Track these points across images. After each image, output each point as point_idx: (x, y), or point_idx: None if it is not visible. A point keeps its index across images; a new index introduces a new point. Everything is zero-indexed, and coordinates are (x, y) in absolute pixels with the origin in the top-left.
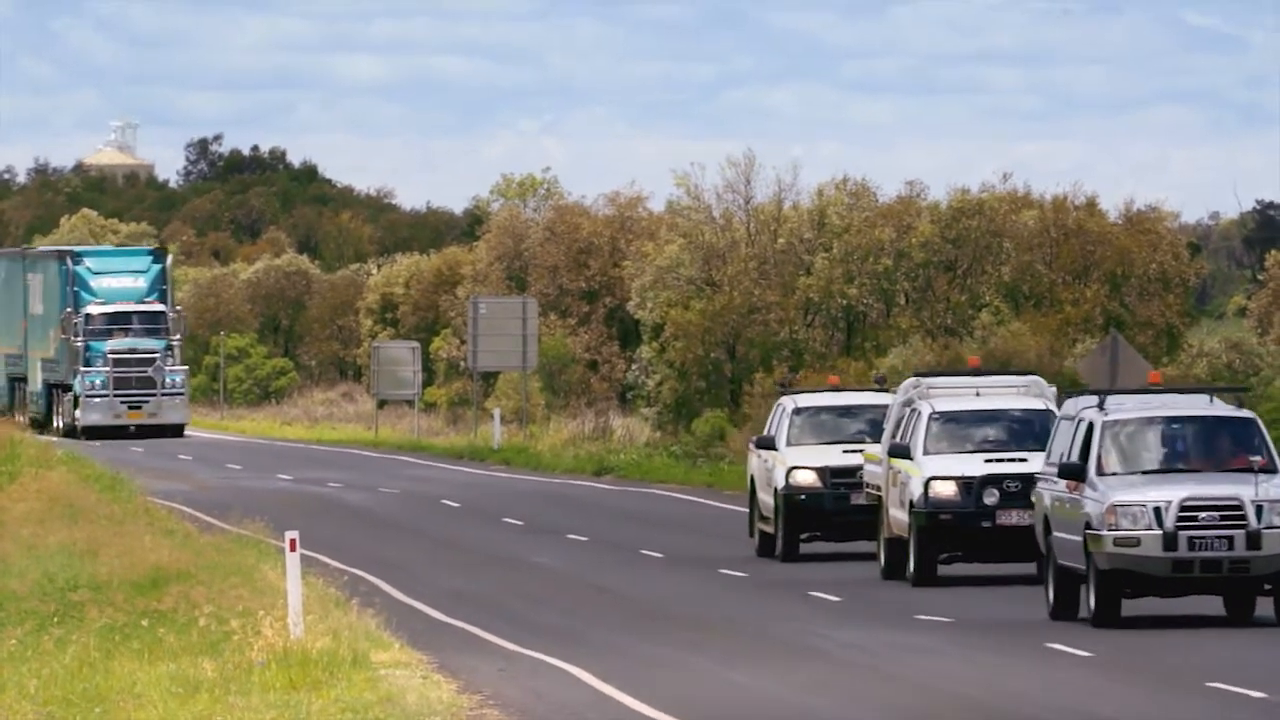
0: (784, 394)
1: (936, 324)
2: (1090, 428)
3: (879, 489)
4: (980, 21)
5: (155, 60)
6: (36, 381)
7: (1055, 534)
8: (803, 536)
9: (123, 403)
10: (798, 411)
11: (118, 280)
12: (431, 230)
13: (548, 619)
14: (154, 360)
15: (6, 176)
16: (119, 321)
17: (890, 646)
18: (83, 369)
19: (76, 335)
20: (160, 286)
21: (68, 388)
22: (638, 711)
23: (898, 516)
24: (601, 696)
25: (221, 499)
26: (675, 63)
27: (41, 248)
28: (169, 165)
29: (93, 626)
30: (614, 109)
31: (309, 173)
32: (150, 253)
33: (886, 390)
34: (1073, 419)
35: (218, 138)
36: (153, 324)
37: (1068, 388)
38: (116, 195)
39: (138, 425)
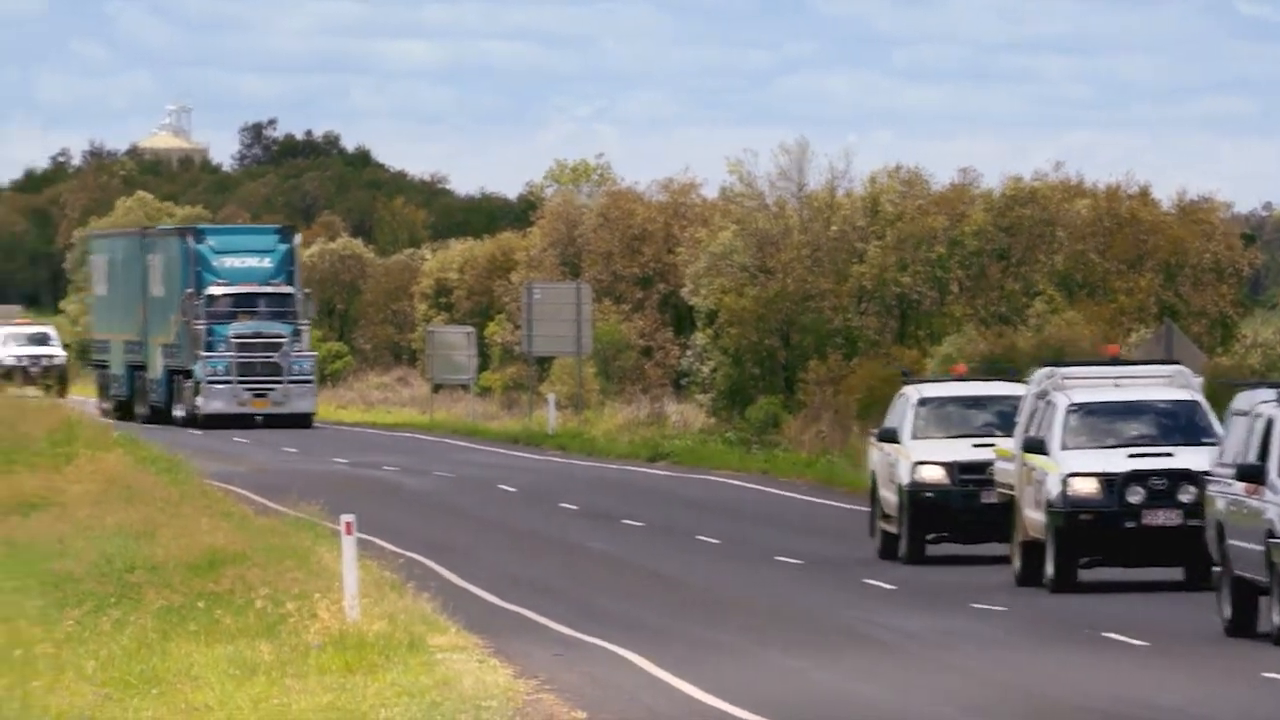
0: (907, 383)
1: (990, 312)
2: (1270, 424)
3: (1012, 487)
4: (1033, 10)
5: (210, 44)
6: (156, 368)
7: (1231, 542)
8: (929, 537)
9: (247, 390)
10: (923, 402)
11: (242, 260)
12: (485, 215)
13: (604, 604)
14: (280, 345)
15: (62, 160)
16: (244, 304)
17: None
18: (204, 354)
19: (198, 318)
20: (287, 267)
21: (188, 374)
22: (693, 697)
23: (1033, 517)
24: (657, 681)
25: (278, 482)
26: (729, 49)
27: (161, 226)
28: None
29: (150, 608)
30: (667, 95)
31: (363, 157)
32: (277, 231)
33: (1017, 380)
34: (1248, 414)
35: (272, 122)
36: (279, 307)
37: (1236, 380)
38: (171, 179)
39: (264, 415)
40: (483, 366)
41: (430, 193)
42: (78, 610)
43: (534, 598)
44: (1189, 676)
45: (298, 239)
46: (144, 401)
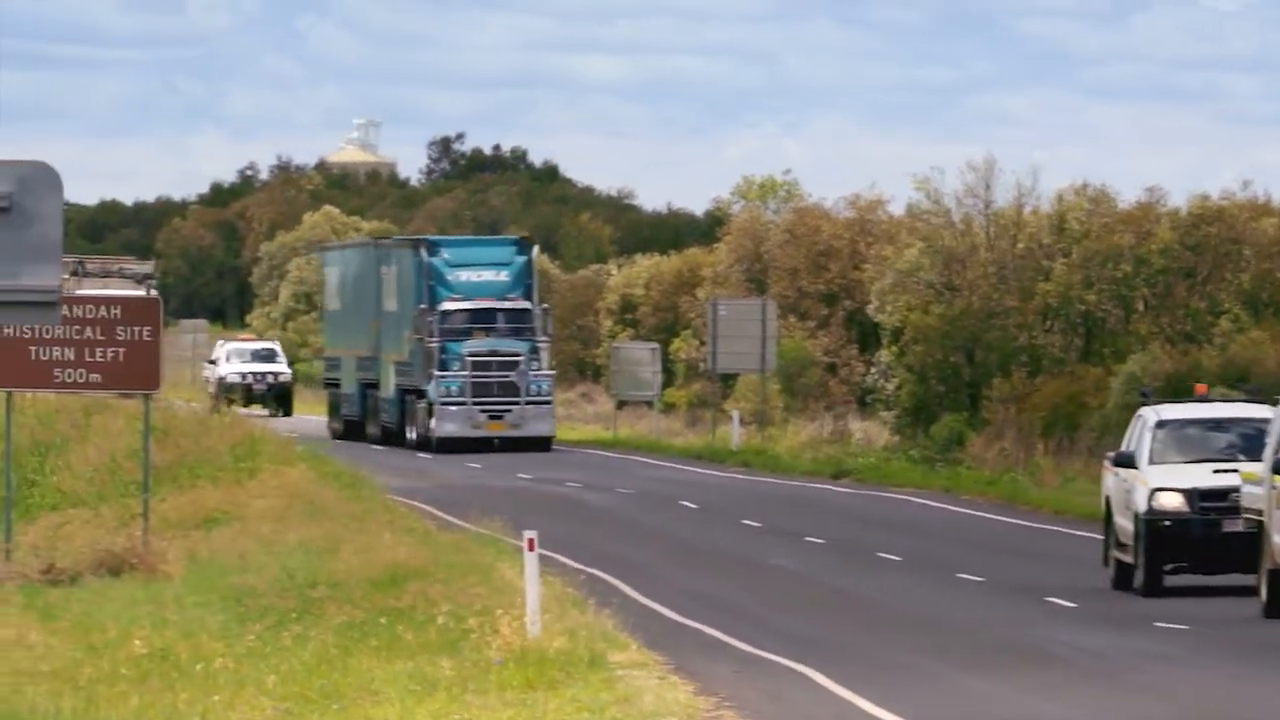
0: (1145, 404)
1: (1175, 330)
2: None
3: (1260, 512)
4: (1220, 27)
5: (398, 59)
6: (389, 388)
7: None
8: (1167, 568)
9: (482, 412)
10: (1161, 424)
11: (478, 274)
12: (671, 231)
13: (785, 622)
14: (517, 364)
15: (250, 173)
16: (479, 320)
17: None
18: (438, 373)
19: (431, 335)
20: (525, 281)
21: (421, 394)
22: (875, 715)
23: None
24: (839, 700)
25: (461, 497)
26: (915, 66)
27: (395, 237)
28: (411, 163)
29: (331, 623)
30: (853, 112)
31: (550, 172)
32: (514, 243)
33: (1263, 401)
34: None
35: (459, 136)
36: (517, 323)
37: None
38: (359, 193)
39: (500, 438)
40: (667, 383)
41: (617, 208)
42: (259, 625)
43: (715, 614)
44: None
45: (536, 251)
46: (375, 422)
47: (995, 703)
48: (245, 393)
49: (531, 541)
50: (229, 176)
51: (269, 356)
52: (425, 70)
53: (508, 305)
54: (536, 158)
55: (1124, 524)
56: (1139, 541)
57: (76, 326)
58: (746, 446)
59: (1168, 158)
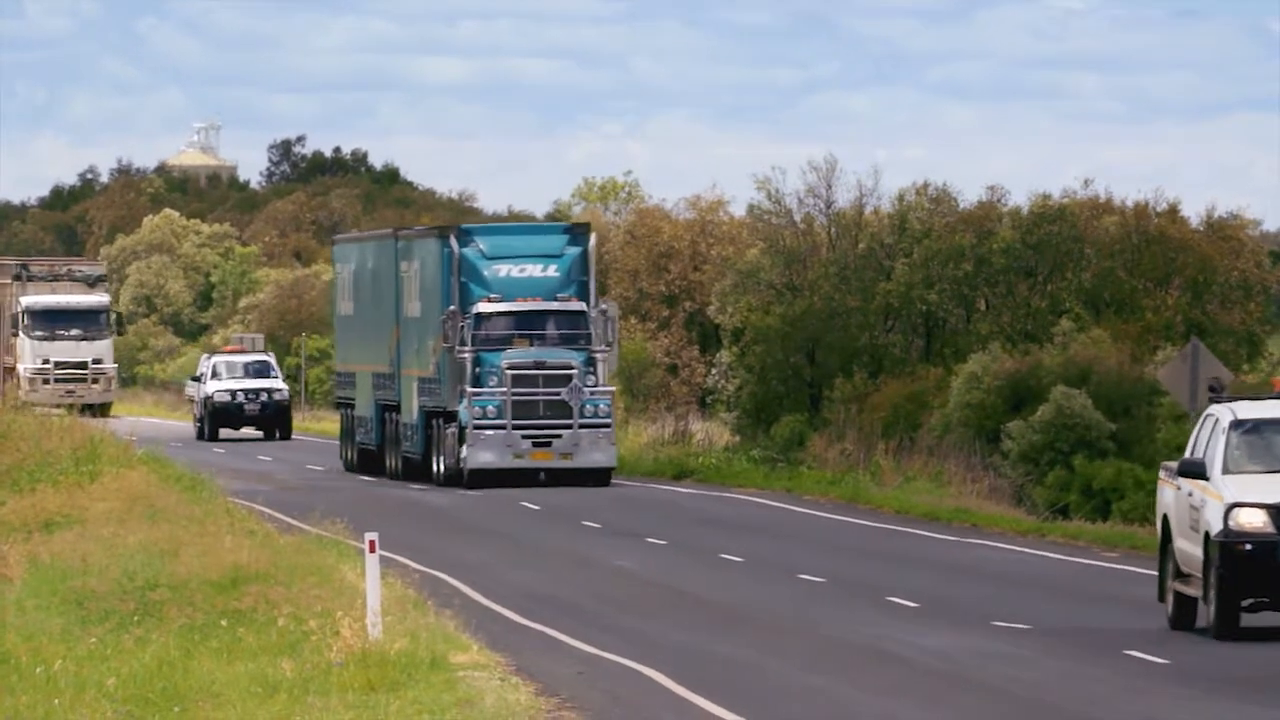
0: (1216, 401)
1: (1017, 330)
2: None
3: None
4: (1062, 26)
5: (239, 61)
6: (411, 409)
7: None
8: (1245, 603)
9: (525, 438)
10: (1238, 425)
11: (521, 268)
12: None
13: (627, 623)
14: (569, 378)
15: (90, 177)
16: (522, 325)
17: None
18: (471, 391)
19: (463, 344)
20: (579, 277)
21: (451, 417)
22: (716, 715)
23: None
24: (681, 700)
25: (302, 500)
26: (758, 67)
27: (419, 226)
28: (251, 166)
29: (172, 626)
30: (696, 113)
31: (391, 175)
32: (566, 230)
33: None
34: None
35: (300, 139)
36: (569, 328)
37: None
38: (199, 196)
39: (547, 469)
40: None
41: (458, 210)
42: (100, 628)
43: (556, 615)
44: None
45: (593, 240)
46: (395, 451)
47: (835, 701)
48: (238, 413)
49: (372, 543)
50: (69, 179)
51: (263, 371)
52: (266, 73)
53: (558, 307)
54: (377, 160)
55: (1188, 549)
56: (1210, 570)
57: None
58: None
59: (1010, 156)
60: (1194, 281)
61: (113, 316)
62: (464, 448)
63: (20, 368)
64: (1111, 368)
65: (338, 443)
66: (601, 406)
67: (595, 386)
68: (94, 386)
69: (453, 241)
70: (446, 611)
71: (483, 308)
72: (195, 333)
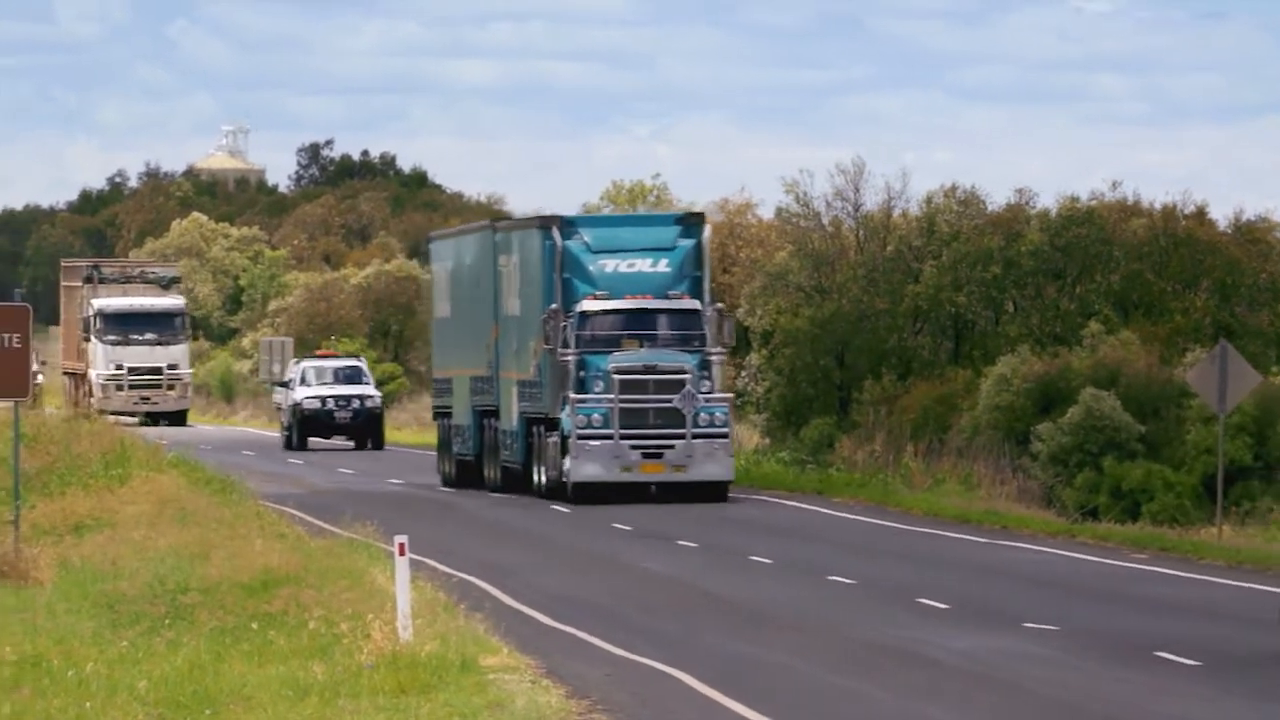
0: None
1: (1045, 332)
2: None
3: None
4: (1091, 28)
5: (268, 65)
6: (511, 415)
7: None
8: None
9: (634, 448)
10: None
11: (629, 263)
12: None
13: (657, 625)
14: (682, 383)
15: (118, 180)
16: (631, 325)
17: None
18: (575, 397)
19: (566, 346)
20: (692, 272)
21: (553, 425)
22: (745, 717)
23: None
24: (710, 702)
25: (333, 503)
26: (787, 69)
27: (518, 216)
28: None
29: (203, 629)
30: (725, 115)
31: (419, 178)
32: (678, 220)
33: None
34: None
35: (329, 142)
36: (682, 329)
37: None
38: (227, 199)
39: (658, 482)
40: None
41: (487, 213)
42: (131, 631)
43: (586, 618)
44: None
45: (707, 232)
46: (494, 461)
47: (864, 703)
48: (327, 421)
49: (402, 546)
50: (98, 184)
51: (354, 377)
52: (294, 76)
53: (670, 305)
54: (405, 163)
55: None
56: None
57: None
58: None
59: (1038, 159)
60: (1222, 284)
61: (188, 320)
62: (567, 459)
63: (92, 374)
64: (1140, 370)
65: (434, 454)
66: (717, 415)
67: (710, 392)
68: (169, 393)
69: (555, 233)
70: (476, 614)
71: (587, 306)
72: (224, 336)
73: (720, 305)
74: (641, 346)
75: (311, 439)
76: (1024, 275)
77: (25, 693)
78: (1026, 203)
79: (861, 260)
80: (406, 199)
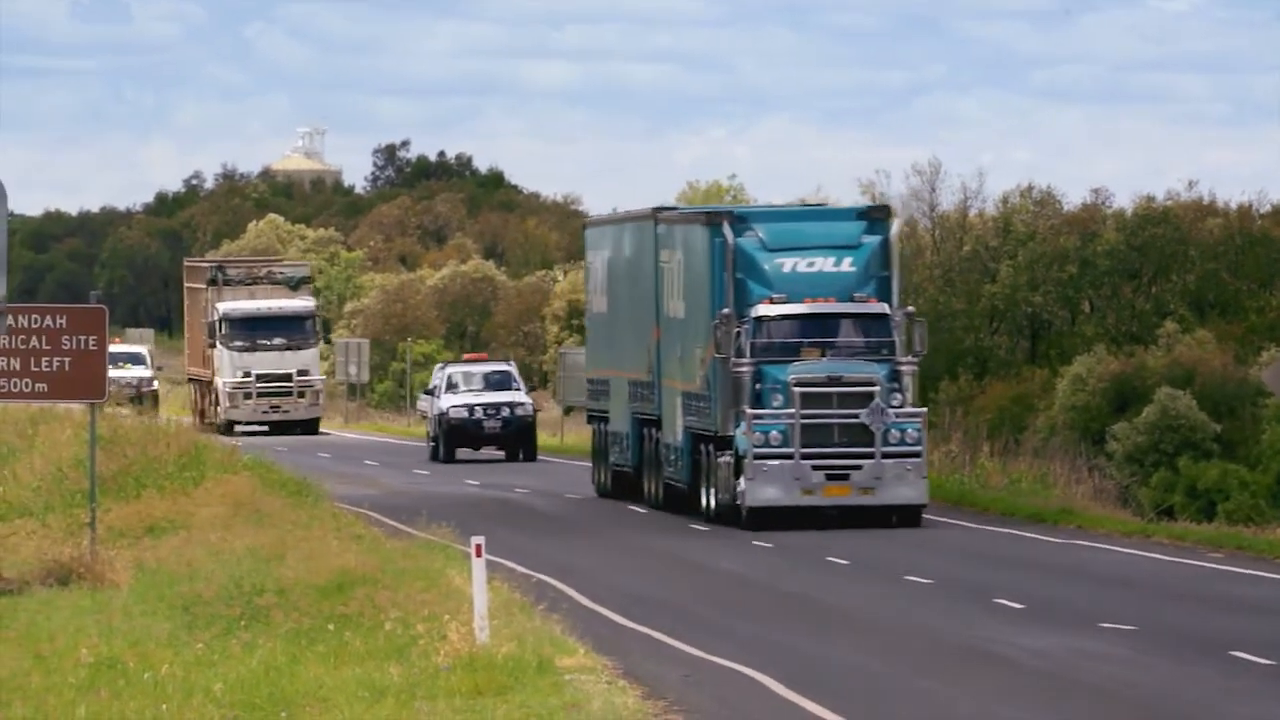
0: None
1: (1121, 331)
2: None
3: None
4: (1168, 29)
5: (345, 66)
6: (675, 429)
7: None
8: None
9: (816, 469)
10: None
11: (809, 261)
12: None
13: (734, 625)
14: (871, 396)
15: (195, 183)
16: (812, 331)
17: None
18: (751, 412)
19: (739, 355)
20: (879, 272)
21: (724, 442)
22: (822, 718)
23: None
24: (787, 704)
25: (409, 504)
26: (864, 70)
27: (683, 208)
28: (356, 171)
29: (279, 631)
30: (802, 116)
31: (496, 179)
32: (862, 213)
33: None
34: None
35: (405, 143)
36: (869, 335)
37: None
38: (303, 201)
39: (841, 506)
40: None
41: (563, 214)
42: (206, 633)
43: (663, 618)
44: None
45: (895, 227)
46: (655, 475)
47: (941, 704)
48: (475, 431)
49: (479, 547)
50: (174, 186)
51: (504, 383)
52: (371, 77)
53: (855, 309)
54: (482, 164)
55: None
56: None
57: (22, 336)
58: None
59: (1115, 159)
60: None
61: (319, 322)
62: (742, 480)
63: (218, 382)
64: (1216, 369)
65: (589, 464)
66: (910, 431)
67: (901, 406)
68: (300, 401)
69: (725, 229)
70: (553, 615)
71: (763, 310)
72: None
73: (911, 309)
74: (824, 355)
75: (459, 450)
76: (1100, 275)
77: (102, 695)
78: (1102, 203)
79: (938, 260)
80: (482, 200)
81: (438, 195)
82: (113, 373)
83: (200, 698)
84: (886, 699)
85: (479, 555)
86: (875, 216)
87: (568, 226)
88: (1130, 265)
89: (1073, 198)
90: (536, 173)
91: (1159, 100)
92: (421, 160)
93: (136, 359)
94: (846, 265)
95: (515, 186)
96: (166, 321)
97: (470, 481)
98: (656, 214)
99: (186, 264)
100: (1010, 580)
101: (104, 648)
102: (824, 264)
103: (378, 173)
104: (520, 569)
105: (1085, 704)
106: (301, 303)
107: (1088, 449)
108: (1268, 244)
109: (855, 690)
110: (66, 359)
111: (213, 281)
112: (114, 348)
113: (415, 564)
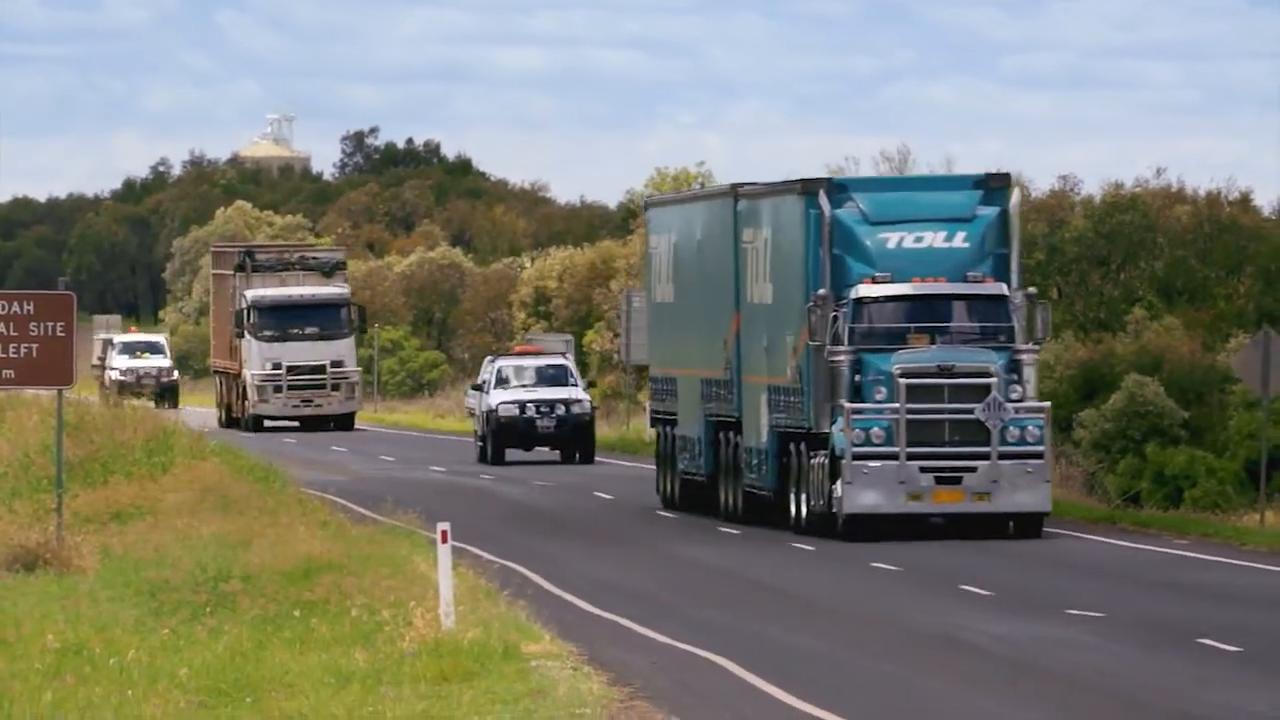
0: None
1: (1089, 318)
2: None
3: None
4: (1138, 16)
5: (313, 53)
6: (758, 429)
7: None
8: None
9: (925, 470)
10: None
11: (916, 235)
12: (585, 224)
13: (699, 612)
14: (987, 388)
15: (163, 169)
16: (916, 315)
17: None
18: (850, 406)
19: (837, 341)
20: (997, 249)
21: (818, 441)
22: (789, 704)
23: None
24: (753, 689)
25: (375, 490)
26: (833, 57)
27: (772, 180)
28: (324, 158)
29: (245, 616)
30: (771, 102)
31: (463, 166)
32: (978, 182)
33: None
34: None
35: (373, 130)
36: (985, 320)
37: None
38: (272, 188)
39: (949, 514)
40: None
41: (530, 201)
42: (173, 619)
43: (629, 605)
44: None
45: (1015, 198)
46: (733, 484)
47: (909, 690)
48: (527, 430)
49: (445, 534)
50: (142, 172)
51: (559, 378)
52: (340, 64)
53: (969, 290)
54: (450, 151)
55: None
56: None
57: None
58: None
59: (1084, 146)
60: (1266, 270)
61: (354, 311)
62: (838, 484)
63: (247, 374)
64: (1184, 356)
65: (654, 470)
66: (1031, 429)
67: (1021, 400)
68: (334, 394)
69: (822, 199)
70: (518, 601)
71: (865, 291)
72: None
73: (1033, 290)
74: (934, 342)
75: (510, 451)
76: (1068, 262)
77: (67, 680)
78: (1071, 189)
79: None
80: (450, 187)
81: (405, 182)
82: (131, 363)
83: (166, 683)
84: (853, 684)
85: (444, 541)
86: (994, 185)
87: (535, 213)
88: (1098, 252)
89: (1041, 184)
90: (504, 160)
91: (1128, 87)
92: (390, 147)
93: (155, 348)
94: (959, 240)
95: (483, 173)
96: (134, 308)
97: (435, 468)
98: (736, 190)
99: (213, 248)
100: (977, 567)
101: (70, 633)
102: (934, 239)
103: (346, 160)
104: (485, 555)
105: (1052, 690)
106: (335, 290)
107: (1055, 436)
108: (1236, 231)
109: (821, 676)
110: (34, 345)
111: (240, 267)
112: (131, 336)
113: (380, 550)
